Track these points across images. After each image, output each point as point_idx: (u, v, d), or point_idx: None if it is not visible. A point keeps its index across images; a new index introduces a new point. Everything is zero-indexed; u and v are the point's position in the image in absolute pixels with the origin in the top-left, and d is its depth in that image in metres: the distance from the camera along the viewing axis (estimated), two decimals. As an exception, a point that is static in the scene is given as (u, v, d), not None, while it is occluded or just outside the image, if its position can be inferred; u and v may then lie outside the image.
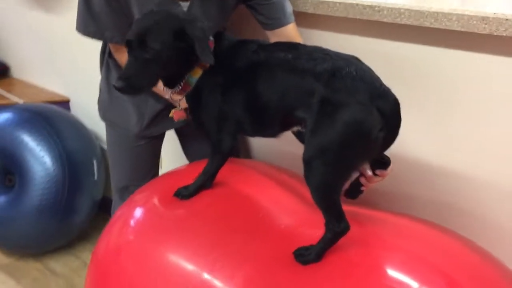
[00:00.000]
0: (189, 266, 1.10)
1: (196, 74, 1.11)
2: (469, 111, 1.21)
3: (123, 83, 1.03)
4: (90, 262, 1.31)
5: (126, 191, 1.52)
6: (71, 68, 2.41)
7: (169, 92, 1.13)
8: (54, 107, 2.29)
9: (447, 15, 1.12)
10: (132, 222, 1.26)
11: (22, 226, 2.07)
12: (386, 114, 0.92)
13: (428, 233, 1.11)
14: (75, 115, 2.38)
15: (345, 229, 0.98)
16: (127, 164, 1.58)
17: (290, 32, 1.31)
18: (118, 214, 1.32)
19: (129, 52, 1.06)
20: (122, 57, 1.33)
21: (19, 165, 2.06)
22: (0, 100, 2.48)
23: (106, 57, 1.47)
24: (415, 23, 1.17)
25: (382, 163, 1.07)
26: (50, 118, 2.16)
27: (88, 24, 1.28)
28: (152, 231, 1.20)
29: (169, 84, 1.13)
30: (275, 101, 1.02)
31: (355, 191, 1.11)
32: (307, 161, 0.95)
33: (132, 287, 1.15)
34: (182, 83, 1.11)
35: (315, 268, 1.00)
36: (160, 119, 1.49)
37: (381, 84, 0.95)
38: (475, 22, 1.08)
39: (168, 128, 1.57)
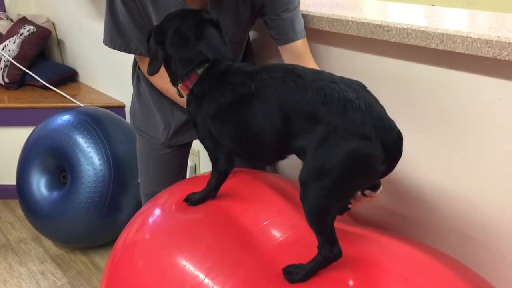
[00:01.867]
0: (188, 271, 1.15)
1: (182, 91, 1.15)
2: (472, 134, 1.18)
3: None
4: (110, 254, 1.40)
5: (155, 196, 1.61)
6: (127, 76, 2.56)
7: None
8: (106, 111, 2.45)
9: (452, 37, 1.09)
10: (149, 221, 1.33)
11: (72, 221, 2.23)
12: (389, 148, 0.91)
13: (422, 257, 1.09)
14: (128, 120, 2.54)
15: (338, 255, 0.99)
16: (153, 171, 1.66)
17: (299, 48, 1.32)
18: (141, 211, 1.40)
19: None
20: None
21: (72, 164, 2.23)
22: (65, 103, 2.70)
23: (137, 69, 1.58)
24: (422, 43, 1.15)
25: (373, 185, 1.07)
26: (102, 122, 2.32)
27: (113, 36, 1.38)
28: (162, 231, 1.27)
29: (173, 85, 1.18)
30: (271, 130, 1.00)
31: (341, 208, 1.11)
32: (304, 182, 0.95)
33: (138, 282, 1.23)
34: (177, 90, 1.17)
35: (301, 287, 1.02)
36: (186, 129, 1.57)
37: (387, 117, 0.94)
38: (478, 45, 1.05)
39: (194, 138, 1.64)
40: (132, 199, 2.33)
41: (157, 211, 1.36)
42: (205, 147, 1.17)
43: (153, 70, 1.14)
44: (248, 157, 1.15)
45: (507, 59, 1.01)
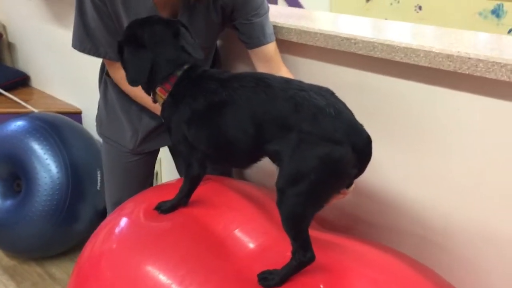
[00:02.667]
0: (160, 280, 1.13)
1: (160, 95, 1.14)
2: (433, 143, 1.25)
3: None
4: (75, 266, 1.37)
5: (119, 206, 1.58)
6: (84, 82, 2.52)
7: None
8: (64, 117, 2.39)
9: (415, 51, 1.16)
10: (116, 231, 1.30)
11: (26, 230, 2.15)
12: (360, 151, 0.96)
13: (389, 261, 1.13)
14: (85, 127, 2.49)
15: (311, 259, 1.02)
16: (120, 179, 1.64)
17: (269, 52, 1.35)
18: (106, 221, 1.38)
19: None
20: (116, 72, 1.41)
21: (27, 171, 2.16)
22: (17, 108, 2.61)
23: (104, 75, 1.56)
24: (387, 56, 1.21)
25: None
26: (59, 128, 2.26)
27: (83, 40, 1.35)
28: (131, 241, 1.25)
29: (147, 91, 1.18)
30: (244, 137, 1.03)
31: None
32: (280, 189, 0.98)
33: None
34: (152, 96, 1.16)
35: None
36: (154, 136, 1.56)
37: (356, 122, 0.98)
38: (440, 59, 1.12)
39: (162, 145, 1.64)
40: (91, 208, 2.28)
41: (124, 221, 1.33)
42: (179, 152, 1.17)
43: (140, 78, 1.12)
44: (222, 162, 1.17)
45: (467, 72, 1.08)
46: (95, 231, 1.38)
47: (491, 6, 2.31)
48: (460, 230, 1.25)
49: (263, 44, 1.35)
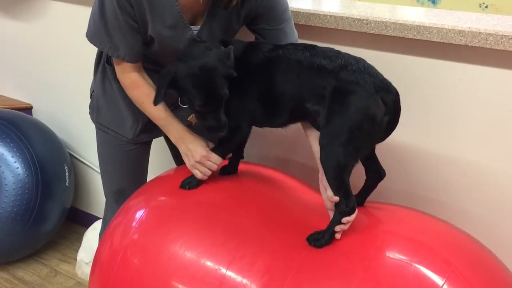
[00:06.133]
0: (209, 257, 1.16)
1: None
2: (445, 113, 1.40)
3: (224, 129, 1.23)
4: (92, 272, 1.33)
5: (122, 195, 1.55)
6: (33, 75, 2.38)
7: None
8: (19, 112, 2.25)
9: (428, 28, 1.30)
10: (135, 224, 1.28)
11: (-10, 236, 2.02)
12: (388, 103, 1.11)
13: (425, 220, 1.23)
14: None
15: (353, 209, 1.13)
16: (121, 168, 1.60)
17: None
18: (115, 222, 1.34)
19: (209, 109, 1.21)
20: (126, 77, 1.39)
21: (-12, 172, 2.01)
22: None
23: (103, 62, 1.51)
24: (400, 34, 1.34)
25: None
26: (18, 124, 2.12)
27: (103, 39, 1.32)
28: (162, 226, 1.24)
29: None
30: (290, 92, 1.19)
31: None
32: (323, 144, 1.12)
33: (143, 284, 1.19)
34: None
35: (328, 250, 1.12)
36: (153, 125, 1.55)
37: (384, 78, 1.14)
38: (452, 34, 1.27)
39: (158, 136, 1.61)
40: (59, 206, 2.18)
41: (144, 212, 1.30)
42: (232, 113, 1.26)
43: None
44: (267, 116, 1.26)
45: (478, 45, 1.25)
46: (104, 236, 1.35)
47: (427, -7, 2.56)
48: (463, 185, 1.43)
49: None
